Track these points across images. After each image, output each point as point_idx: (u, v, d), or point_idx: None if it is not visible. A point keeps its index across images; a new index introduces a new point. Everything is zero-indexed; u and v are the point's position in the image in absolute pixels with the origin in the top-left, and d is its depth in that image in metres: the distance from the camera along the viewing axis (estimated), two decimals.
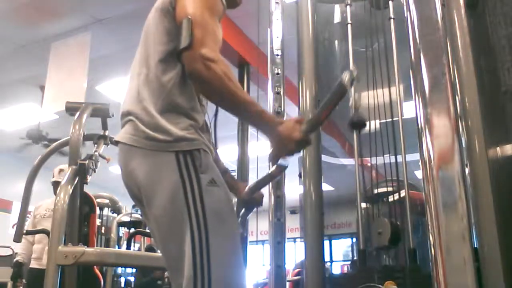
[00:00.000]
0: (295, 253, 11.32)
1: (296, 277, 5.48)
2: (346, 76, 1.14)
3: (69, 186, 2.02)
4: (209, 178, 1.19)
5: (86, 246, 1.88)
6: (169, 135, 1.19)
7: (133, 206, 4.84)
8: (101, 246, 4.51)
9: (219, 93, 1.17)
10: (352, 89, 1.18)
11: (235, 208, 1.47)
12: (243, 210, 1.55)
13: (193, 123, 1.24)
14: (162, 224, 1.19)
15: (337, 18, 3.27)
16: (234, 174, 4.88)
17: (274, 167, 1.32)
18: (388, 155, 2.37)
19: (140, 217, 4.50)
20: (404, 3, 1.45)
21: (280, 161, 1.28)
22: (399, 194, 2.42)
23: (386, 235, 2.14)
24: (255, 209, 1.60)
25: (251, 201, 1.53)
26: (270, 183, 2.57)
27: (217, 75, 1.14)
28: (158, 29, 1.29)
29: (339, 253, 12.58)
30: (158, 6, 1.32)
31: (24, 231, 2.68)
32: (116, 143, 1.31)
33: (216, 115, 1.38)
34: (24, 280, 3.79)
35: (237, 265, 1.18)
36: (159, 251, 1.38)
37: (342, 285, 2.33)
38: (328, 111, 1.24)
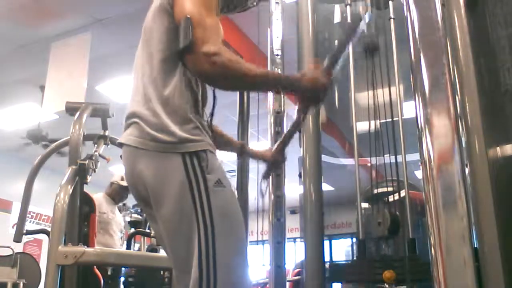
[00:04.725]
0: (295, 253, 11.31)
1: (296, 277, 5.47)
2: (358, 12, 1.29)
3: (69, 186, 2.02)
4: (216, 179, 1.20)
5: (86, 246, 1.88)
6: (175, 137, 1.19)
7: (133, 206, 4.83)
8: None
9: (232, 82, 1.20)
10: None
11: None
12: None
13: (198, 124, 1.24)
14: (170, 225, 1.19)
15: (337, 18, 3.27)
16: (234, 174, 4.86)
17: (296, 116, 1.44)
18: (388, 155, 2.37)
19: (140, 217, 4.49)
20: (404, 3, 1.44)
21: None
22: (399, 194, 2.42)
23: (385, 225, 2.15)
24: (255, 208, 1.65)
25: (277, 161, 1.70)
26: (270, 183, 2.57)
27: (223, 66, 1.14)
28: (158, 28, 1.29)
29: (339, 253, 12.58)
30: (156, 5, 1.32)
31: (24, 231, 2.68)
32: (120, 145, 1.30)
33: (212, 114, 1.38)
34: None
35: (243, 267, 1.19)
36: (161, 252, 1.39)
37: (342, 274, 2.32)
38: (344, 47, 1.39)
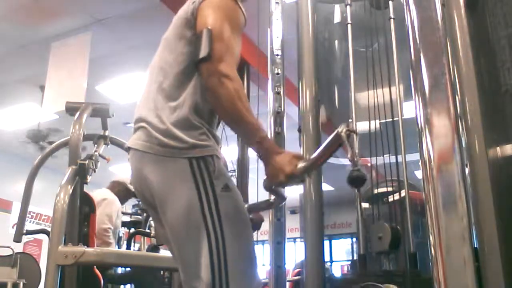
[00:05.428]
0: (295, 253, 11.32)
1: (296, 277, 5.48)
2: (342, 128, 1.11)
3: (69, 186, 2.02)
4: (223, 183, 1.21)
5: (86, 246, 1.88)
6: (182, 142, 1.20)
7: (133, 206, 4.83)
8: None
9: (226, 110, 1.19)
10: (355, 142, 1.15)
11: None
12: None
13: (205, 130, 1.24)
14: (178, 230, 1.20)
15: (337, 18, 3.27)
16: (234, 174, 4.87)
17: (273, 197, 1.34)
18: (388, 155, 2.37)
19: (140, 217, 4.49)
20: (404, 3, 1.44)
21: (278, 191, 1.29)
22: (399, 194, 2.42)
23: (386, 239, 2.13)
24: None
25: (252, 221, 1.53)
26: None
27: (229, 92, 1.16)
28: (179, 38, 1.30)
29: (340, 253, 12.59)
30: (181, 15, 1.33)
31: (24, 231, 2.68)
32: (128, 149, 1.31)
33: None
34: None
35: (253, 268, 1.21)
36: (162, 252, 1.39)
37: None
38: (324, 159, 1.23)
